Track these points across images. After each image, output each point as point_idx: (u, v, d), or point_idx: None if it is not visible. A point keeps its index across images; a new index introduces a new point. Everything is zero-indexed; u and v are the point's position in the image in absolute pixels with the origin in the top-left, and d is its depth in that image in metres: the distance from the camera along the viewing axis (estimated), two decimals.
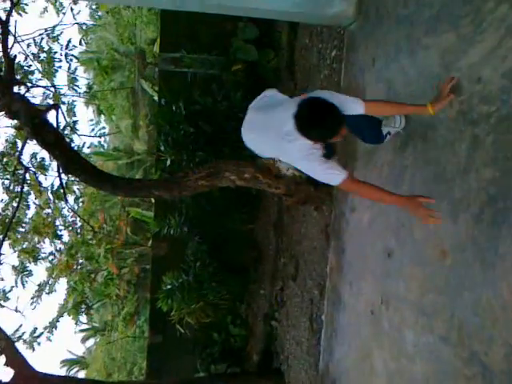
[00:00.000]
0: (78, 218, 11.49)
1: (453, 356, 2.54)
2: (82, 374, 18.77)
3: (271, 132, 2.83)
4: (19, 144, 7.87)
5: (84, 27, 13.52)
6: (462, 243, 2.49)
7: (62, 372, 17.90)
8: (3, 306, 9.32)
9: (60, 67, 9.82)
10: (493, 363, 2.25)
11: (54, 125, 4.82)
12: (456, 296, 2.54)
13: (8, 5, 5.56)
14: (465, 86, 2.54)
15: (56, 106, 5.24)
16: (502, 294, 2.20)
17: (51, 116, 4.97)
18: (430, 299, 2.80)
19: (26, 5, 8.62)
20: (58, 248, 11.64)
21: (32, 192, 9.05)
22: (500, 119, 2.27)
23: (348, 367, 3.96)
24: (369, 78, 3.77)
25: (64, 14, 10.53)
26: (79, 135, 14.31)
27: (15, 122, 6.28)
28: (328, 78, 4.72)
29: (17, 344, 6.58)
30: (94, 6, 13.43)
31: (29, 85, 6.68)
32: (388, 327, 3.29)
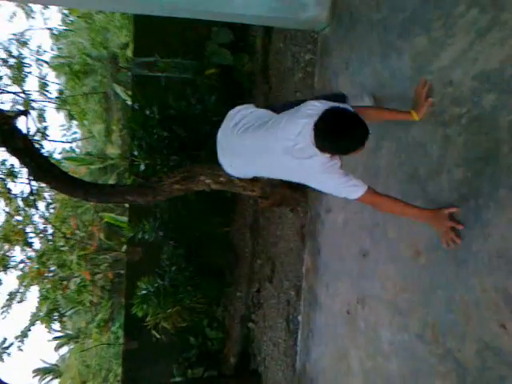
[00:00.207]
0: (50, 225, 11.29)
1: (427, 353, 2.60)
2: (55, 383, 18.38)
3: (270, 155, 2.63)
4: None
5: (55, 32, 13.33)
6: (435, 242, 2.55)
7: (35, 382, 17.49)
8: None
9: (30, 72, 9.66)
10: (466, 360, 2.31)
11: (24, 131, 4.72)
12: (430, 294, 2.60)
13: None
14: (437, 89, 2.60)
15: (26, 112, 5.14)
16: (475, 292, 2.26)
17: (21, 122, 4.87)
18: (404, 298, 2.85)
19: None
20: (29, 256, 11.42)
21: (1, 199, 8.86)
22: (471, 120, 2.33)
23: (325, 367, 3.99)
24: (342, 82, 3.82)
25: (34, 18, 10.36)
26: (50, 141, 14.07)
27: None
28: (302, 82, 4.77)
29: None
30: (65, 11, 13.25)
31: None
32: (364, 326, 3.33)
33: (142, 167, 5.92)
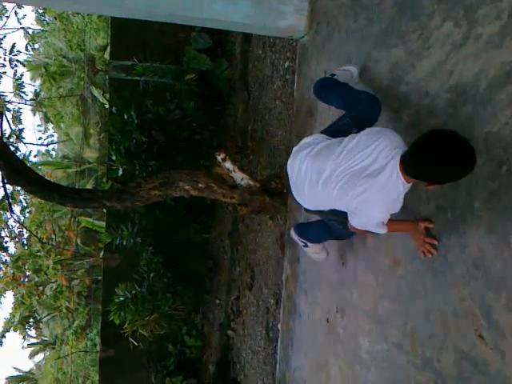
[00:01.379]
0: (25, 229, 11.09)
1: (406, 363, 2.61)
2: None
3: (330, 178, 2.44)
4: None
5: (30, 32, 13.12)
6: (413, 252, 2.56)
7: None
8: None
9: (4, 73, 9.47)
10: (444, 369, 2.32)
11: None
12: (408, 304, 2.61)
13: None
14: (413, 100, 2.62)
15: (0, 114, 5.02)
16: (453, 301, 2.27)
17: None
18: (383, 307, 2.86)
19: None
20: (3, 260, 11.19)
21: None
22: None
23: (304, 375, 3.98)
24: None
25: (8, 17, 10.17)
26: (25, 143, 13.81)
27: None
28: (281, 89, 4.77)
29: None
30: (40, 11, 13.04)
31: None
32: (343, 335, 3.33)
33: (120, 172, 5.86)
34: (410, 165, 2.12)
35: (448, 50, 2.37)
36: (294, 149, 2.78)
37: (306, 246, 3.41)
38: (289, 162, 2.78)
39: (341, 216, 2.57)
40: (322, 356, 3.61)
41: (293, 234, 3.50)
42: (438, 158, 1.94)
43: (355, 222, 2.45)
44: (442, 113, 2.39)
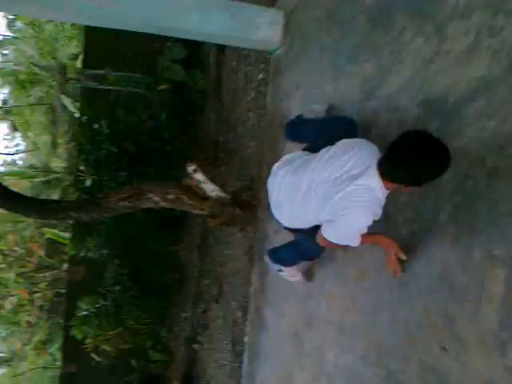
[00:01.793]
0: None
1: (371, 375, 2.60)
2: None
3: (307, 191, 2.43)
4: None
5: (0, 38, 12.88)
6: (380, 264, 2.58)
7: None
8: None
9: None
10: (408, 381, 2.32)
11: None
12: (375, 316, 2.62)
13: None
14: (384, 114, 2.67)
15: None
16: (418, 314, 2.29)
17: None
18: (350, 319, 2.86)
19: None
20: None
21: None
22: None
23: None
24: (294, 103, 3.87)
25: None
26: None
27: None
28: (254, 101, 4.79)
29: None
30: (11, 17, 12.83)
31: None
32: (309, 348, 3.31)
33: (89, 183, 5.76)
34: (388, 168, 2.11)
35: (418, 65, 2.43)
36: (275, 166, 2.76)
37: (280, 270, 3.37)
38: (269, 179, 2.76)
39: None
40: (288, 369, 3.57)
41: (267, 260, 3.45)
42: (414, 158, 1.95)
43: (332, 232, 2.36)
44: (412, 127, 2.42)
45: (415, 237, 2.37)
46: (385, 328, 2.52)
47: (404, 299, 2.40)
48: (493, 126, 2.01)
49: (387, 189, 2.20)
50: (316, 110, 3.18)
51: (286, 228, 2.80)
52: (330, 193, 2.28)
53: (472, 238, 2.03)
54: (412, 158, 1.96)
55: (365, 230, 2.27)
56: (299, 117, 3.15)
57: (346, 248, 2.67)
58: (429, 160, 1.93)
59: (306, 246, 2.95)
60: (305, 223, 2.62)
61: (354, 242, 2.33)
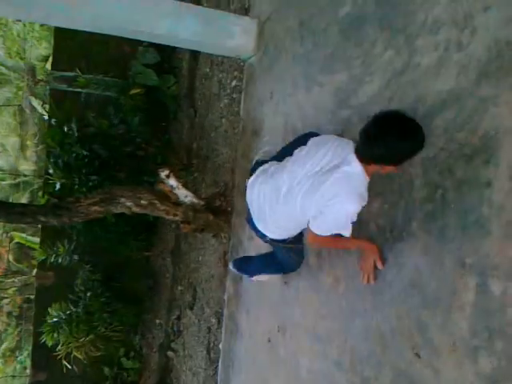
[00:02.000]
0: None
1: (345, 381, 2.63)
2: None
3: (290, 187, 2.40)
4: None
5: None
6: (353, 271, 2.62)
7: None
8: None
9: None
10: None
11: None
12: (348, 322, 2.65)
13: None
14: (355, 123, 2.70)
15: None
16: (391, 320, 2.33)
17: None
18: (324, 325, 2.89)
19: None
20: None
21: None
22: None
23: None
24: (267, 111, 3.89)
25: None
26: None
27: None
28: (228, 108, 4.79)
29: None
30: None
31: None
32: (284, 354, 3.33)
33: (58, 186, 5.64)
34: (365, 149, 2.11)
35: (389, 76, 2.48)
36: (249, 181, 2.72)
37: (250, 276, 3.39)
38: (247, 193, 2.72)
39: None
40: (263, 376, 3.59)
41: (231, 267, 3.45)
42: (387, 134, 1.98)
43: (323, 224, 2.32)
44: None
45: (388, 244, 2.41)
46: (359, 334, 2.56)
47: (377, 305, 2.44)
48: (461, 137, 2.06)
49: (369, 173, 2.21)
50: (267, 151, 3.10)
51: (270, 240, 2.73)
52: (316, 184, 2.26)
53: (443, 247, 2.09)
54: (386, 133, 1.98)
55: (355, 218, 2.26)
56: (257, 163, 2.98)
57: (336, 245, 2.63)
58: (402, 134, 1.95)
59: (284, 260, 2.94)
60: (289, 229, 2.61)
61: (347, 230, 2.29)
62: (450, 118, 2.12)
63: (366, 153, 2.12)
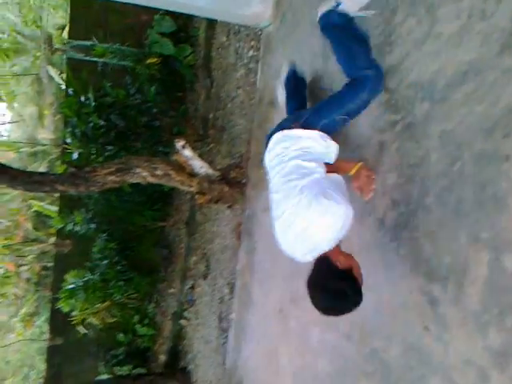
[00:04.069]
0: None
1: (355, 353, 2.66)
2: None
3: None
4: None
5: None
6: (368, 244, 2.61)
7: None
8: None
9: None
10: (391, 360, 2.38)
11: None
12: None
13: None
14: None
15: None
16: (402, 294, 2.33)
17: None
18: None
19: None
20: None
21: None
22: (404, 127, 2.40)
23: (255, 364, 4.00)
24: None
25: None
26: None
27: None
28: (244, 78, 4.74)
29: None
30: None
31: None
32: (295, 325, 3.37)
33: (75, 156, 5.70)
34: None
35: (408, 47, 2.41)
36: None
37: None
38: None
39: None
40: (273, 345, 3.64)
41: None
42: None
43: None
44: (401, 109, 2.43)
45: (402, 218, 2.39)
46: (369, 307, 2.56)
47: (389, 280, 2.44)
48: (481, 110, 2.01)
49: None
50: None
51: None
52: (291, 185, 2.27)
53: (458, 221, 2.06)
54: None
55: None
56: (335, 8, 2.60)
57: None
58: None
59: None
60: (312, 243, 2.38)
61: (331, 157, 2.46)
62: (470, 90, 2.06)
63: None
